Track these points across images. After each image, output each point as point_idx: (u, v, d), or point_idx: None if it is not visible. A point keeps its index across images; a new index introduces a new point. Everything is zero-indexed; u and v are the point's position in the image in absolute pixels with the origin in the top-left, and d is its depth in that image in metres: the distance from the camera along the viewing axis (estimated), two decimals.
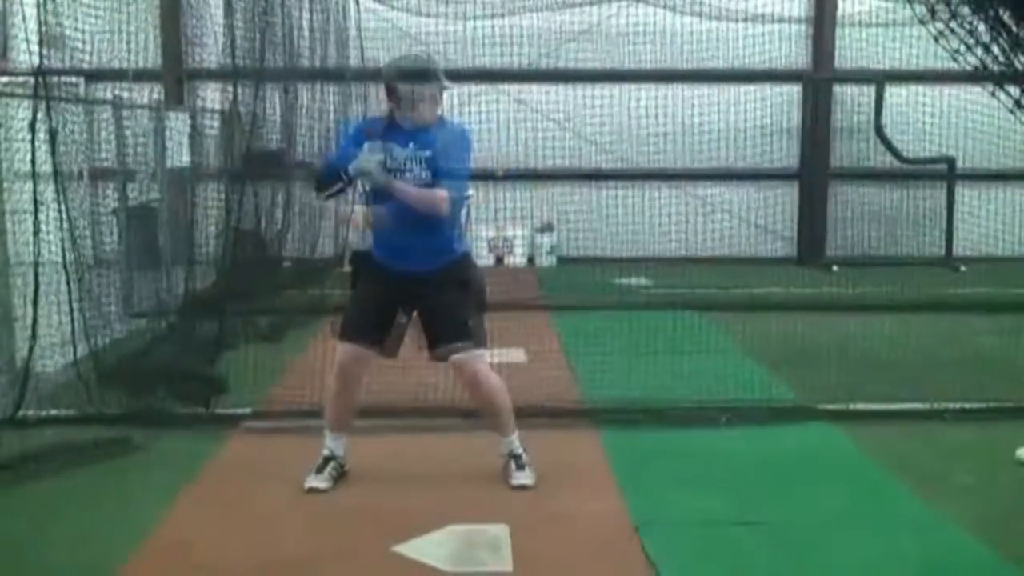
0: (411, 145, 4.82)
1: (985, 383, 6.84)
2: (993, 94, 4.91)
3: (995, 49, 4.61)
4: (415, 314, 5.03)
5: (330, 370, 5.11)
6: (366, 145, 4.81)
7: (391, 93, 4.84)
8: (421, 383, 6.33)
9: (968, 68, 4.78)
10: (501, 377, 5.16)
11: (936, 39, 4.80)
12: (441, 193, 4.80)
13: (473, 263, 5.30)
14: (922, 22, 4.91)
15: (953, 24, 4.67)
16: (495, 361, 7.61)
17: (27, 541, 4.45)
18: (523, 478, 5.06)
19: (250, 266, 9.96)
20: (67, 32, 6.55)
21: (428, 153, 4.83)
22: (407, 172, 4.83)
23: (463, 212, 5.35)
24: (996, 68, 4.70)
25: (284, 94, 11.12)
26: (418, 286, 4.90)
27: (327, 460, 5.06)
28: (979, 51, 4.66)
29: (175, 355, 7.32)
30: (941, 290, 11.32)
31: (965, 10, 4.64)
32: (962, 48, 4.72)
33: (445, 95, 4.96)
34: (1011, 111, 4.78)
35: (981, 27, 4.63)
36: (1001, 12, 4.52)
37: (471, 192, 13.67)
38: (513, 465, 5.09)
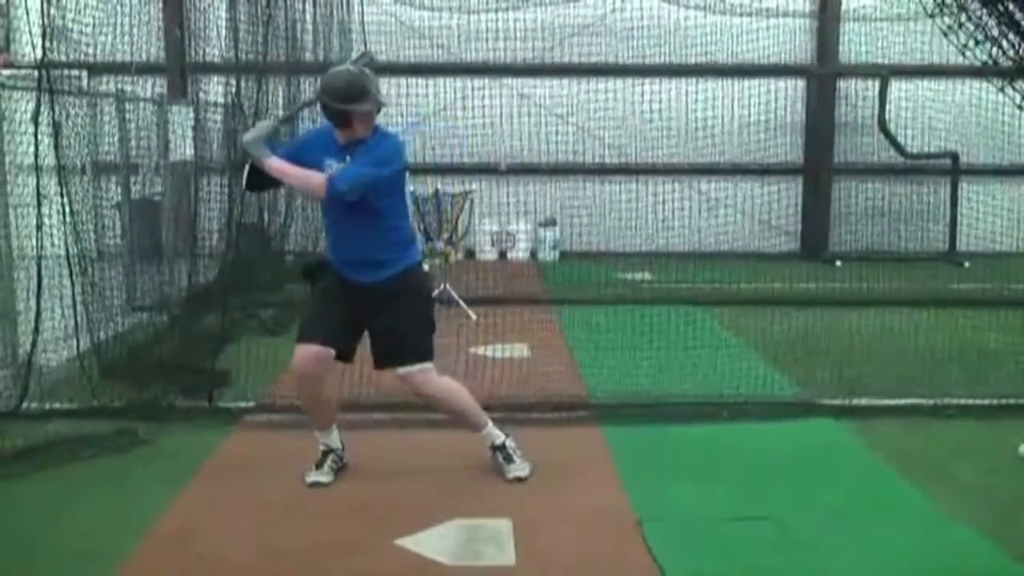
0: (347, 159, 4.76)
1: (988, 379, 6.84)
2: (1002, 90, 4.90)
3: (1004, 44, 4.60)
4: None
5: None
6: (259, 122, 4.91)
7: (325, 109, 4.78)
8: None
9: (977, 63, 4.77)
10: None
11: (945, 34, 4.80)
12: (319, 177, 4.71)
13: (422, 273, 5.23)
14: (931, 16, 4.90)
15: (962, 18, 4.66)
16: (499, 356, 7.64)
17: (31, 533, 4.45)
18: (515, 470, 5.08)
19: (253, 260, 9.97)
20: (70, 25, 6.54)
21: None
22: None
23: (408, 222, 5.25)
24: (1005, 63, 4.69)
25: (287, 88, 11.11)
26: (367, 297, 4.87)
27: (326, 454, 5.10)
28: (988, 46, 4.65)
29: (178, 349, 7.33)
30: (944, 285, 11.33)
31: (974, 5, 4.63)
32: (971, 43, 4.71)
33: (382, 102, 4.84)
34: (1019, 106, 4.77)
35: (991, 22, 4.62)
36: (1011, 7, 4.51)
37: (473, 187, 13.73)
38: (500, 458, 5.11)
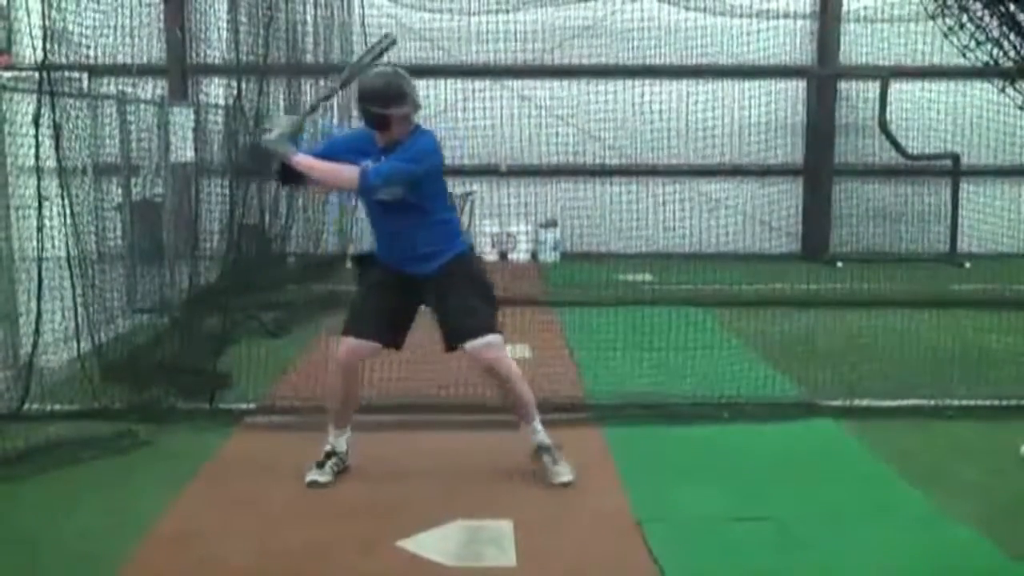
0: (383, 160, 4.76)
1: (989, 379, 6.84)
2: (1003, 90, 4.90)
3: (1006, 45, 4.61)
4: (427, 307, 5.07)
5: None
6: (279, 118, 4.95)
7: (363, 112, 4.79)
8: (427, 379, 6.33)
9: (978, 64, 4.78)
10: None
11: (946, 35, 4.80)
12: (351, 171, 4.71)
13: (474, 257, 5.32)
14: (932, 18, 4.90)
15: (963, 19, 4.66)
16: None
17: (32, 535, 4.45)
18: (564, 474, 5.02)
19: (254, 261, 9.98)
20: (71, 27, 6.55)
21: None
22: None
23: (457, 211, 5.28)
24: (1007, 64, 4.69)
25: (288, 89, 11.13)
26: (422, 286, 4.93)
27: (328, 455, 5.09)
28: (989, 47, 4.65)
29: (179, 350, 7.33)
30: (945, 286, 11.32)
31: (976, 5, 4.63)
32: (972, 44, 4.71)
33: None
34: (1020, 107, 4.77)
35: (992, 23, 4.62)
36: (1013, 8, 4.51)
37: (474, 188, 13.73)
38: (548, 460, 5.05)
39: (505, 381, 5.02)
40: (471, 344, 4.89)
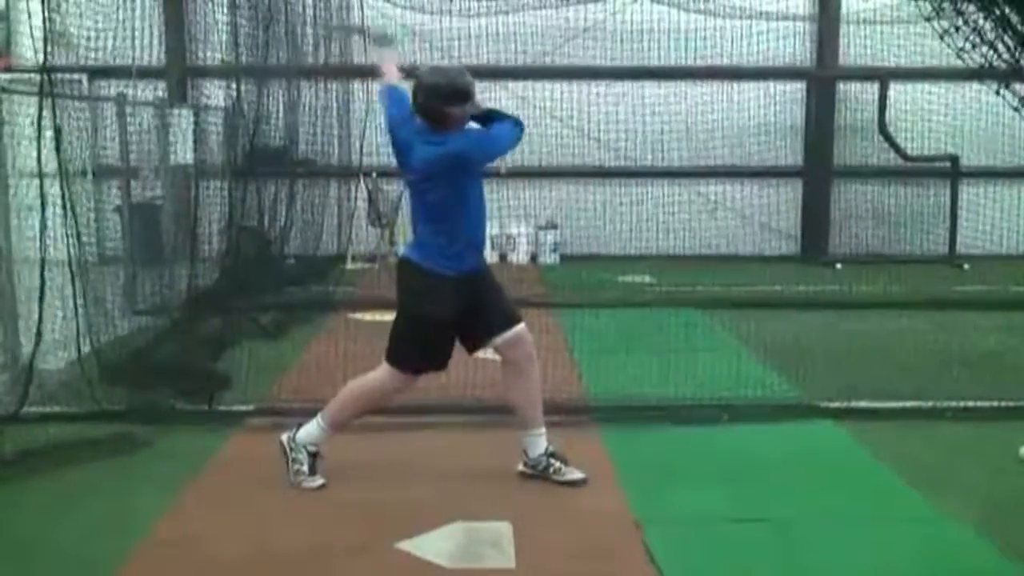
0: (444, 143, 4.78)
1: (988, 381, 6.84)
2: (998, 92, 4.92)
3: (1000, 47, 4.62)
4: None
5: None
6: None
7: (425, 108, 4.75)
8: (425, 380, 6.32)
9: (973, 66, 4.79)
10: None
11: (941, 37, 4.81)
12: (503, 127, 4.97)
13: None
14: (927, 19, 4.92)
15: (959, 22, 4.68)
16: (499, 358, 7.63)
17: (31, 537, 4.45)
18: (576, 472, 5.06)
19: (253, 263, 9.98)
20: (71, 29, 6.56)
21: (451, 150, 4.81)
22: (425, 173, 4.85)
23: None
24: (1001, 66, 4.71)
25: (287, 91, 11.13)
26: (477, 281, 4.94)
27: (314, 456, 5.03)
28: (984, 49, 4.66)
29: (178, 352, 7.34)
30: (944, 288, 11.32)
31: (971, 8, 4.65)
32: (967, 46, 4.73)
33: None
34: (1015, 109, 4.78)
35: (987, 25, 4.64)
36: (1007, 11, 4.53)
37: None
38: (557, 463, 5.07)
39: (531, 373, 5.06)
40: (512, 332, 4.95)
